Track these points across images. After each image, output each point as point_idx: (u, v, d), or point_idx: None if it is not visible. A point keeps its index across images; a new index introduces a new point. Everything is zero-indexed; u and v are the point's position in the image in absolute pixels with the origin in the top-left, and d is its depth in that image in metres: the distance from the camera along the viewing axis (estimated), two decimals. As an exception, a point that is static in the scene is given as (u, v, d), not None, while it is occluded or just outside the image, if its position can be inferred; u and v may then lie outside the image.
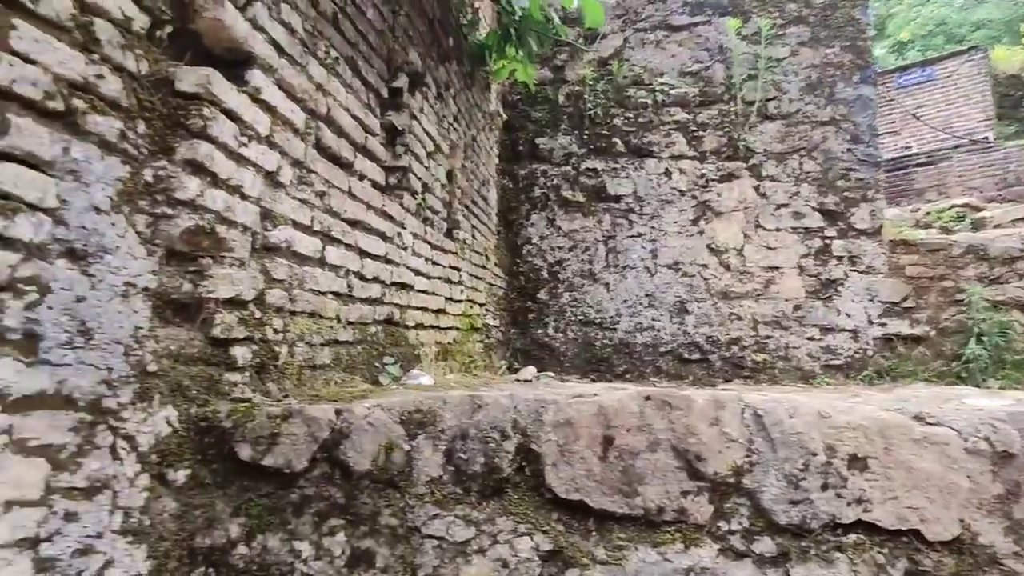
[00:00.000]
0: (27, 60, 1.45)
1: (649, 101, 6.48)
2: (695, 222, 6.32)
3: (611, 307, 6.31)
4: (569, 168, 6.50)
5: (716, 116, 6.41)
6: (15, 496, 1.40)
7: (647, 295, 6.29)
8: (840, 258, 6.13)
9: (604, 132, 6.49)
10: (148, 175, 1.79)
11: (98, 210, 1.63)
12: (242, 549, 1.79)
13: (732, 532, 1.67)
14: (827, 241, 6.17)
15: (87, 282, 1.59)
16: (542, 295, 6.44)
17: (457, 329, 4.67)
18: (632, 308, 6.29)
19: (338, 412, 1.83)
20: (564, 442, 1.70)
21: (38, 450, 1.46)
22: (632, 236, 6.35)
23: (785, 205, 6.24)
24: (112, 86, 1.68)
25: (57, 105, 1.52)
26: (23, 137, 1.44)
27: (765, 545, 1.65)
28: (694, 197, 6.34)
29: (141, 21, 1.80)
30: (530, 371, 4.97)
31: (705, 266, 6.25)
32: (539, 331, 6.41)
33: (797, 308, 6.14)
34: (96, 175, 1.63)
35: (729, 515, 1.68)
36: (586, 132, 6.52)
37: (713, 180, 6.33)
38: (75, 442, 1.55)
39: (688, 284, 6.25)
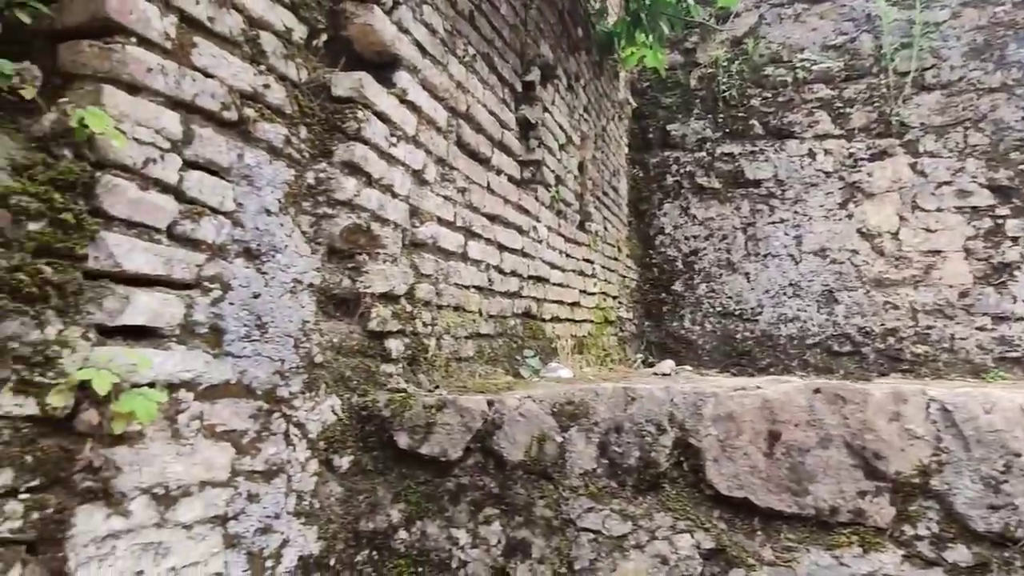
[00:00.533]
0: (206, 74, 1.57)
1: (789, 79, 6.11)
2: (843, 205, 5.89)
3: (752, 297, 6.02)
4: (703, 154, 6.26)
5: (864, 91, 5.94)
6: (207, 477, 1.52)
7: (791, 284, 5.95)
8: (1016, 239, 5.50)
9: (740, 114, 6.20)
10: (310, 178, 1.89)
11: (268, 212, 1.74)
12: (403, 534, 1.85)
13: (919, 537, 1.52)
14: (999, 221, 5.55)
15: (261, 279, 1.70)
16: (677, 286, 6.25)
17: (591, 322, 4.63)
18: (775, 298, 5.97)
19: (490, 403, 1.85)
20: (725, 437, 1.62)
21: (224, 435, 1.58)
22: (774, 222, 6.02)
23: (947, 183, 5.68)
24: (277, 95, 1.78)
25: (231, 115, 1.63)
26: (205, 146, 1.56)
27: (960, 554, 1.49)
28: (841, 178, 5.91)
29: (300, 31, 1.90)
30: (668, 365, 4.83)
31: (855, 252, 5.82)
32: (674, 324, 6.24)
33: (964, 295, 5.57)
34: (266, 179, 1.74)
35: (914, 519, 1.54)
36: (721, 115, 6.25)
37: (863, 159, 5.87)
38: (254, 428, 1.66)
39: (837, 272, 5.84)
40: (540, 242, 3.58)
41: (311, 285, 1.87)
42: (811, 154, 6.00)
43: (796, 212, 6.00)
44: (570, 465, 1.74)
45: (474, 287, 2.74)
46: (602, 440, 1.73)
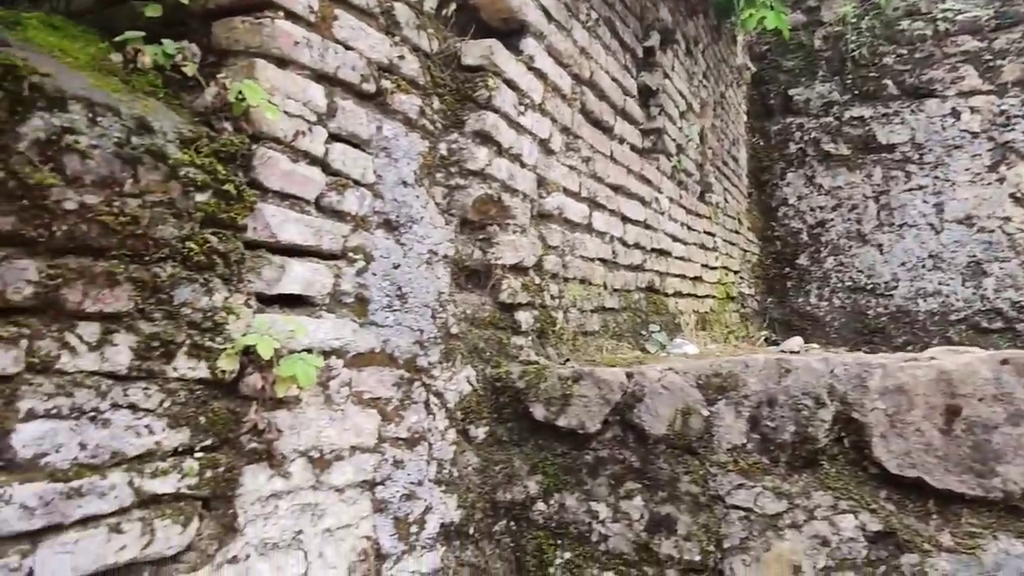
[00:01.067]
0: (347, 47, 1.58)
1: (928, 32, 5.60)
2: (993, 168, 5.36)
3: (885, 271, 5.61)
4: (830, 119, 5.87)
5: (1018, 40, 5.35)
6: (356, 442, 1.56)
7: (931, 256, 5.49)
8: None
9: (871, 74, 5.75)
10: (443, 148, 1.89)
11: (405, 183, 1.75)
12: (541, 506, 1.83)
13: None
14: None
15: (400, 250, 1.72)
16: (802, 260, 5.92)
17: (713, 298, 4.46)
18: (912, 271, 5.54)
19: (629, 375, 1.79)
20: (895, 411, 1.49)
21: (371, 402, 1.61)
22: (910, 189, 5.57)
23: (1121, 138, 5.04)
24: (411, 66, 1.78)
25: (370, 87, 1.65)
26: (347, 118, 1.58)
27: None
28: (991, 139, 5.37)
29: (430, 2, 1.89)
30: (795, 342, 4.57)
31: (1008, 219, 5.29)
32: (799, 300, 5.91)
33: None
34: (402, 151, 1.74)
35: (1125, 506, 1.35)
36: (849, 77, 5.82)
37: (1017, 116, 5.30)
38: (397, 396, 1.68)
39: (985, 241, 5.33)
40: (662, 214, 3.46)
41: (445, 256, 1.87)
42: (954, 113, 5.48)
43: (936, 178, 5.52)
44: (717, 440, 1.66)
45: (599, 259, 2.68)
46: (753, 414, 1.63)
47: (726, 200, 4.98)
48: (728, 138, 5.23)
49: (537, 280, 2.20)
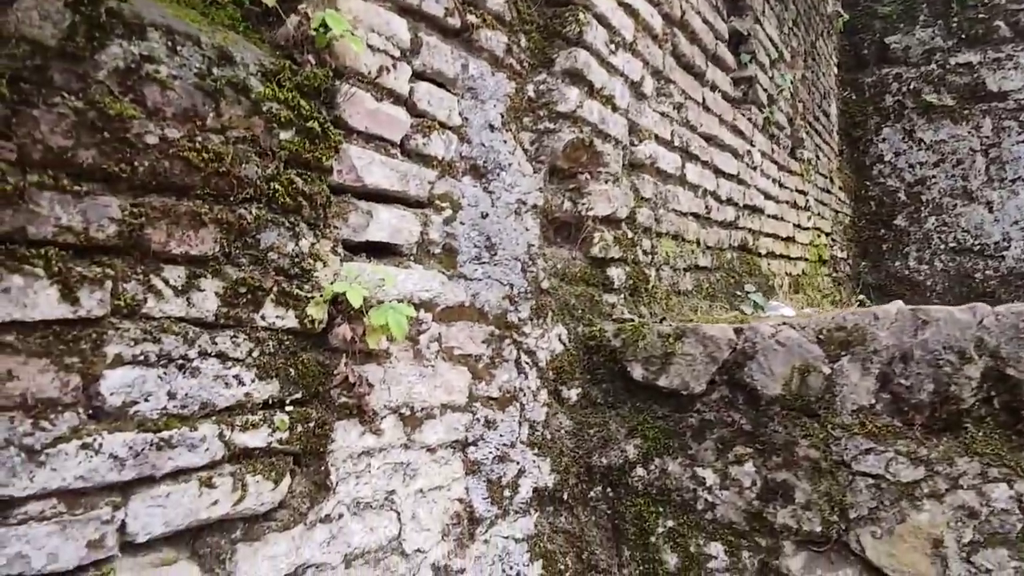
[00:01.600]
0: (429, -23, 1.47)
1: (1047, -35, 5.06)
2: (1123, 113, 4.83)
3: (995, 231, 5.17)
4: (932, 67, 5.41)
5: None
6: (447, 400, 1.47)
7: (1048, 213, 5.02)
8: None
9: (980, 16, 5.26)
10: (530, 90, 1.76)
11: (492, 127, 1.64)
12: (640, 471, 1.72)
13: None
14: None
15: (488, 199, 1.61)
16: (899, 221, 5.53)
17: (805, 260, 4.19)
18: (1026, 230, 5.08)
19: (738, 331, 1.64)
20: (1060, 366, 1.30)
21: (461, 359, 1.52)
22: (1025, 140, 5.09)
23: None
24: (496, 0, 1.66)
25: (455, 22, 1.53)
26: (432, 55, 1.47)
27: None
28: (1121, 80, 4.84)
29: (515, -69, 1.76)
30: (896, 306, 4.27)
31: None
32: (896, 263, 5.53)
33: None
34: (489, 91, 1.63)
35: None
36: (954, 19, 5.35)
37: None
38: (488, 354, 1.59)
39: (1113, 195, 4.83)
40: (754, 169, 3.24)
41: (535, 206, 1.75)
42: (1078, 54, 4.96)
43: (1056, 126, 5.02)
44: (840, 400, 1.50)
45: (691, 214, 2.51)
46: (883, 371, 1.46)
47: (817, 157, 4.67)
48: (819, 91, 4.89)
49: (629, 234, 2.06)
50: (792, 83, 4.12)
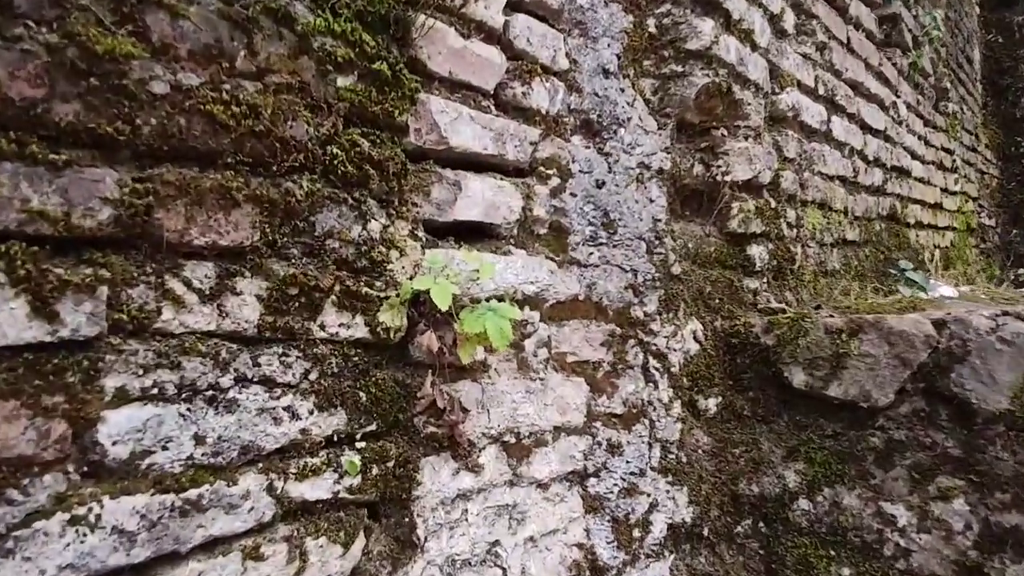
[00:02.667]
0: None
1: None
2: None
3: None
4: (1100, -2, 4.61)
5: None
6: (561, 421, 1.16)
7: None
8: None
9: None
10: (651, 24, 1.41)
11: (606, 72, 1.29)
12: (803, 504, 1.35)
13: None
14: None
15: (604, 163, 1.28)
16: (1059, 181, 4.78)
17: (953, 229, 3.62)
18: None
19: (938, 324, 1.24)
20: None
21: (576, 367, 1.20)
22: None
23: None
24: (607, -90, 1.31)
25: (557, -63, 1.20)
26: (530, -21, 1.15)
27: None
28: None
29: None
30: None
31: None
32: (1054, 230, 4.80)
33: None
34: (601, 26, 1.29)
35: None
36: None
37: None
38: (608, 359, 1.26)
39: None
40: (900, 123, 2.74)
41: (660, 171, 1.40)
42: None
43: None
44: (1105, 420, 1.09)
45: (838, 178, 2.08)
46: None
47: (961, 110, 4.04)
48: (961, 34, 4.23)
49: (772, 203, 1.67)
50: (939, 22, 3.53)
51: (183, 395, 0.72)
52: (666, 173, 1.41)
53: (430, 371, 0.94)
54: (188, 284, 0.73)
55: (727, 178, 1.49)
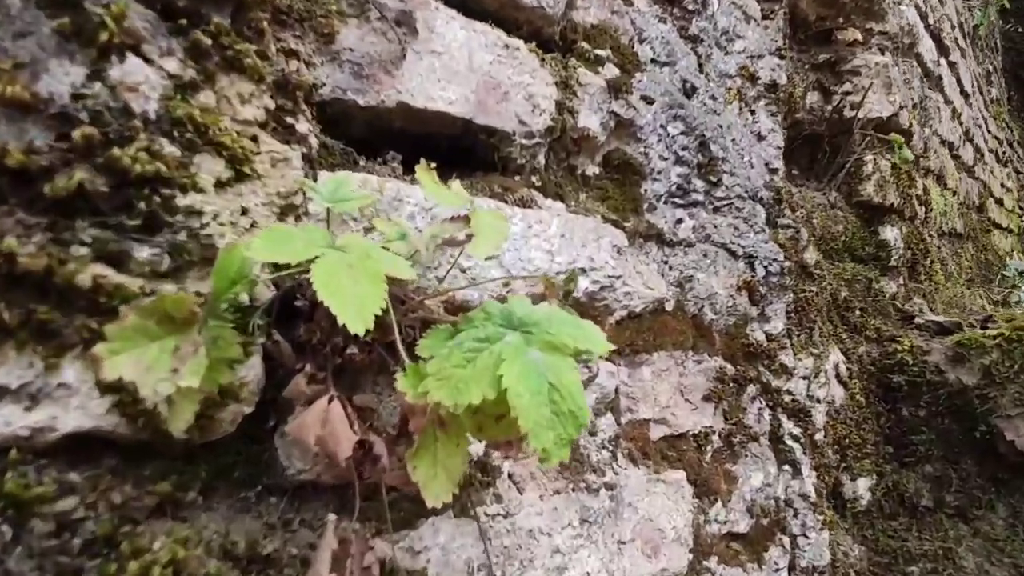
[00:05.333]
0: None
1: None
2: None
3: None
4: None
5: None
6: (652, 573, 0.55)
7: None
8: None
9: None
10: None
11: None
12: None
13: None
14: None
15: (692, 55, 0.68)
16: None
17: (1012, 232, 3.11)
18: None
19: None
20: None
21: (667, 449, 0.59)
22: None
23: None
24: None
25: None
26: None
27: None
28: None
29: None
30: None
31: None
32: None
33: None
34: None
35: None
36: None
37: None
38: (719, 427, 0.66)
39: None
40: (969, 96, 2.22)
41: (772, 87, 0.81)
42: None
43: None
44: None
45: (947, 143, 1.53)
46: None
47: (998, 100, 3.57)
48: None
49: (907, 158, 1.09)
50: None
51: None
52: (780, 92, 0.81)
53: (330, 515, 0.32)
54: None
55: (859, 114, 0.91)
